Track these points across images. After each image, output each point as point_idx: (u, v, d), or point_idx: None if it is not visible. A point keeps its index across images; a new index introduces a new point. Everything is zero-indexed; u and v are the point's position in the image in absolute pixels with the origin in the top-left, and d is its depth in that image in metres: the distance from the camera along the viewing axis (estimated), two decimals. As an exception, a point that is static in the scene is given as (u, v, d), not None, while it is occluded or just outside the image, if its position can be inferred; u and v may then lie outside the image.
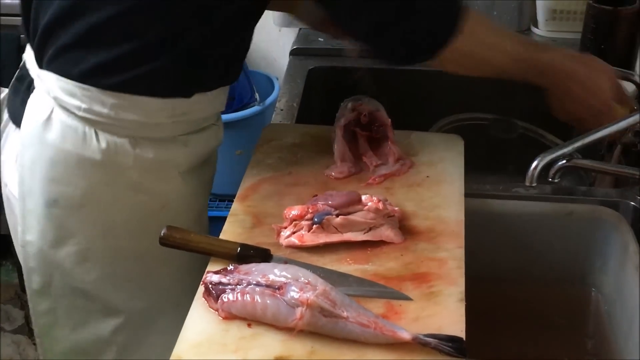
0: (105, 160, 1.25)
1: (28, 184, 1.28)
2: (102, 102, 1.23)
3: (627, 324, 1.26)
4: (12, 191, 1.35)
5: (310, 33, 2.05)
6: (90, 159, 1.25)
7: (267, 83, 2.58)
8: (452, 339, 0.98)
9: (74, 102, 1.23)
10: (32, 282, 1.34)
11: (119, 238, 1.29)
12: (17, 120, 1.33)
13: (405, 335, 0.97)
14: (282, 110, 1.71)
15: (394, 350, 0.97)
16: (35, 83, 1.29)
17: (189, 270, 1.26)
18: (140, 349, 1.39)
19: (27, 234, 1.30)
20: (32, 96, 1.29)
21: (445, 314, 1.03)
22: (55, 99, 1.25)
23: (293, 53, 1.99)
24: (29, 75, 1.32)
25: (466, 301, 1.06)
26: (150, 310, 1.36)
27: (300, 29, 2.10)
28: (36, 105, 1.27)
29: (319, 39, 2.02)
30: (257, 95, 2.52)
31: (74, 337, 1.37)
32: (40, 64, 1.28)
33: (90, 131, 1.24)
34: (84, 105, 1.23)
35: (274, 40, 2.53)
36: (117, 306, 1.34)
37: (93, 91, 1.22)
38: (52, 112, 1.25)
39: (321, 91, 1.92)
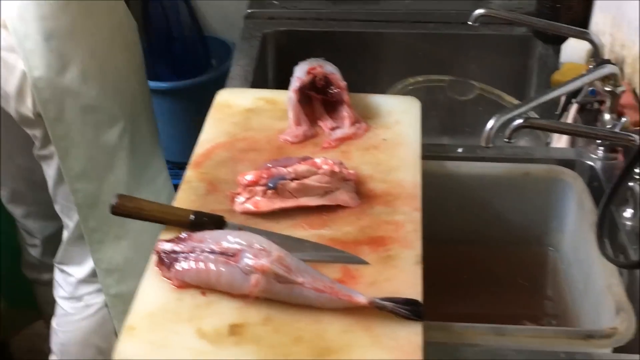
0: None
1: (22, 29, 1.50)
2: None
3: (583, 283, 1.26)
4: None
5: (265, -4, 2.02)
6: None
7: (224, 48, 2.55)
8: (409, 302, 0.97)
9: None
10: (49, 111, 1.56)
11: (105, 55, 1.62)
12: None
13: (362, 300, 0.96)
14: (237, 75, 1.68)
15: (351, 314, 0.97)
16: None
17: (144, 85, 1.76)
18: (140, 150, 1.73)
19: (34, 71, 1.52)
20: None
21: (402, 277, 1.03)
22: None
23: (247, 17, 1.96)
24: None
25: (424, 264, 1.05)
26: (138, 114, 1.73)
27: (254, -8, 2.07)
28: None
29: (274, 1, 1.99)
30: (213, 61, 2.49)
31: (89, 152, 1.63)
32: None
33: None
34: None
35: (229, 4, 2.49)
36: (116, 113, 1.65)
37: None
38: None
39: (276, 55, 1.90)
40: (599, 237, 0.95)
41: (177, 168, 2.48)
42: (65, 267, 1.81)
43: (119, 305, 1.76)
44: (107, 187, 1.68)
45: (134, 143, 1.72)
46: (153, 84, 2.35)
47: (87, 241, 1.71)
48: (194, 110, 2.34)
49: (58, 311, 1.84)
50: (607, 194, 0.93)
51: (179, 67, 2.51)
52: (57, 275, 1.83)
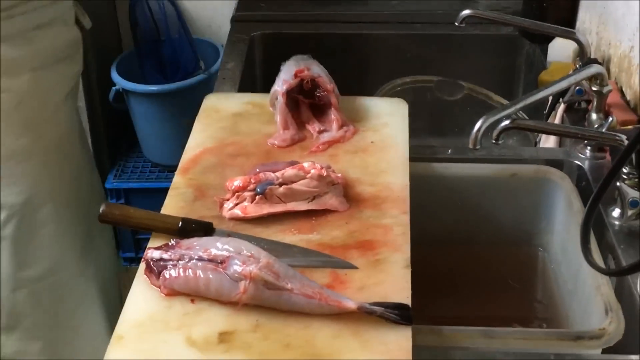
0: None
1: None
2: None
3: (572, 283, 1.26)
4: None
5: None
6: None
7: (212, 50, 2.54)
8: (398, 307, 0.97)
9: None
10: None
11: None
12: None
13: (351, 305, 0.96)
14: (224, 78, 1.68)
15: (340, 320, 0.97)
16: None
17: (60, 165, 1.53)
18: (32, 240, 1.57)
19: None
20: None
21: (391, 281, 1.03)
22: None
23: (234, 20, 1.95)
24: None
25: (413, 266, 1.05)
26: (30, 202, 1.54)
27: (241, -5, 2.06)
28: None
29: (261, 4, 1.99)
30: (202, 64, 2.48)
31: None
32: None
33: None
34: None
35: (217, 6, 2.48)
36: None
37: None
38: None
39: (264, 58, 1.89)
40: (584, 245, 0.95)
41: (167, 171, 2.48)
42: None
43: None
44: None
45: (25, 232, 1.56)
46: (142, 87, 2.34)
47: None
48: (183, 113, 2.34)
49: None
50: (591, 199, 0.93)
51: (167, 69, 2.49)
52: None
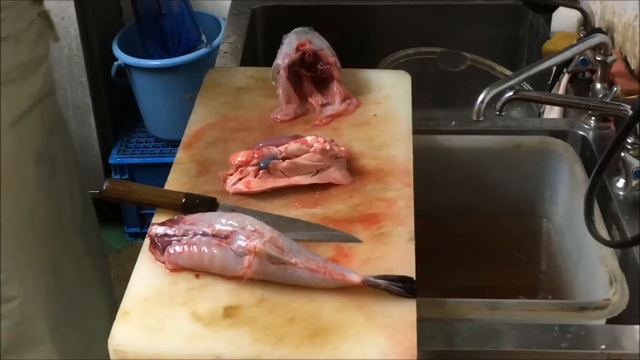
0: None
1: None
2: None
3: (576, 254, 1.27)
4: None
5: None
6: None
7: (214, 24, 2.53)
8: (402, 280, 0.97)
9: None
10: None
11: None
12: None
13: (355, 278, 0.96)
14: (225, 52, 1.67)
15: (345, 293, 0.97)
16: None
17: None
18: None
19: None
20: None
21: (395, 254, 1.03)
22: None
23: (236, -7, 1.94)
24: None
25: (417, 239, 1.05)
26: None
27: (242, -33, 2.04)
28: None
29: (262, -23, 1.97)
30: (204, 37, 2.47)
31: None
32: None
33: None
34: None
35: (218, -21, 2.47)
36: None
37: None
38: None
39: (265, 31, 1.88)
40: (587, 216, 0.95)
41: (170, 146, 2.48)
42: None
43: None
44: None
45: None
46: (144, 62, 2.34)
47: None
48: (186, 87, 2.34)
49: None
50: (595, 169, 0.93)
51: (169, 43, 2.49)
52: None
